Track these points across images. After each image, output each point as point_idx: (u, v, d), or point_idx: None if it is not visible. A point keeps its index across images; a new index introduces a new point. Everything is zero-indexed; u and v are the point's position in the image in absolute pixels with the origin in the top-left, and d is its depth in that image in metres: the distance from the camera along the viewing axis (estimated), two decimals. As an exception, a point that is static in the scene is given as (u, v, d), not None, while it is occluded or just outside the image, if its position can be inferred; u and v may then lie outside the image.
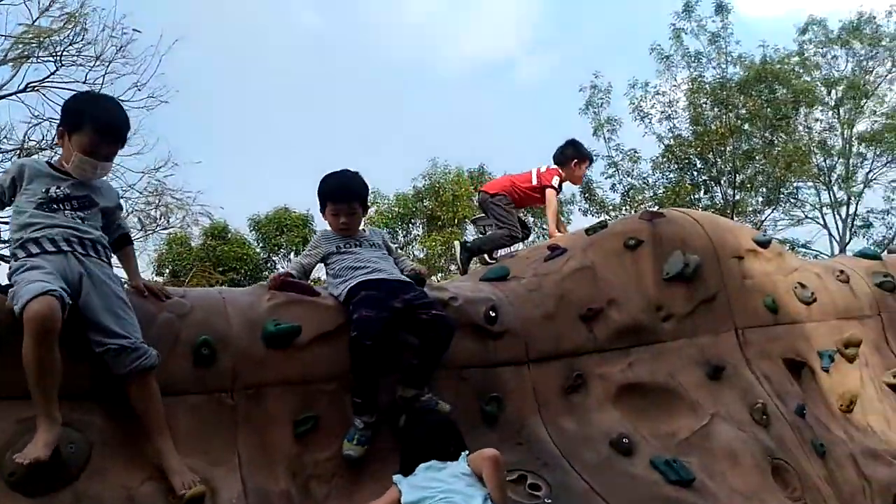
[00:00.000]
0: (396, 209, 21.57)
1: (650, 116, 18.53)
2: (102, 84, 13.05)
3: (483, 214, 5.71)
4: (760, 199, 19.20)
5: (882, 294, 5.21)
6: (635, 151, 18.22)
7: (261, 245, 24.35)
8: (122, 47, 12.94)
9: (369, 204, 3.85)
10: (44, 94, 13.32)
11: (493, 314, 3.68)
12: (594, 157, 5.79)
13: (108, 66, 12.91)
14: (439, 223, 20.70)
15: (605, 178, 18.43)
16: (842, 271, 5.09)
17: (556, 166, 5.58)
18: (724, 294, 4.44)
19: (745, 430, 3.86)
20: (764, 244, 4.81)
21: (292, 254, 23.48)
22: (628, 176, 18.25)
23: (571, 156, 5.65)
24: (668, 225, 4.46)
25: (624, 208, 17.95)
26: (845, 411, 4.56)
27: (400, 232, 21.85)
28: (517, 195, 5.46)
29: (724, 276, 4.48)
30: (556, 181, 5.46)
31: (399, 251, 3.88)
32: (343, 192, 3.45)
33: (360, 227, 3.61)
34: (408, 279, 3.41)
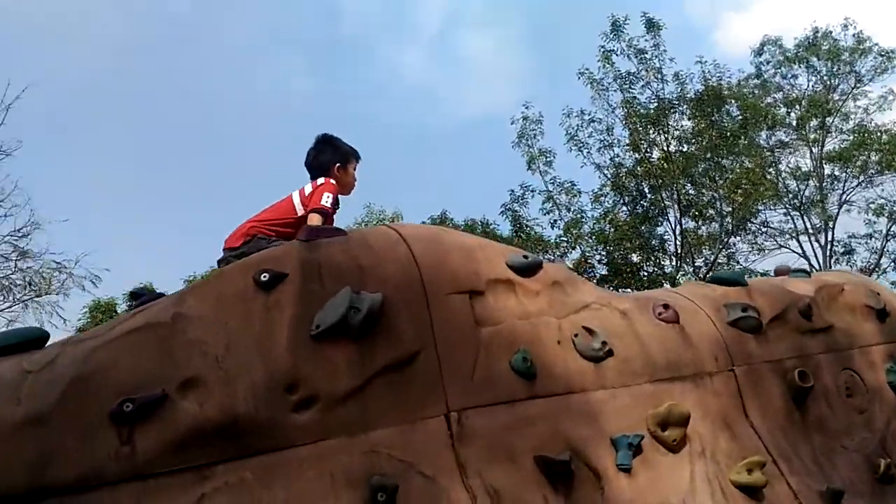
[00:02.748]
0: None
1: (588, 146, 16.97)
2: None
3: None
4: (720, 227, 17.41)
5: (739, 337, 3.44)
6: (573, 184, 16.61)
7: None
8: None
9: None
10: None
11: None
12: (359, 155, 4.08)
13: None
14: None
15: (544, 214, 16.78)
16: (666, 305, 3.33)
17: (324, 180, 3.84)
18: (432, 354, 2.68)
19: None
20: (525, 270, 3.08)
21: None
22: (568, 210, 16.60)
23: (331, 160, 3.94)
24: (337, 248, 2.74)
25: (564, 246, 16.22)
26: (658, 539, 2.75)
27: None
28: (272, 235, 3.70)
29: (433, 325, 2.73)
30: (328, 200, 3.67)
31: None
32: None
33: None
34: None
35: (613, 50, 16.53)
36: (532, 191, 16.82)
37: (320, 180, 3.84)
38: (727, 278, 3.73)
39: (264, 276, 2.58)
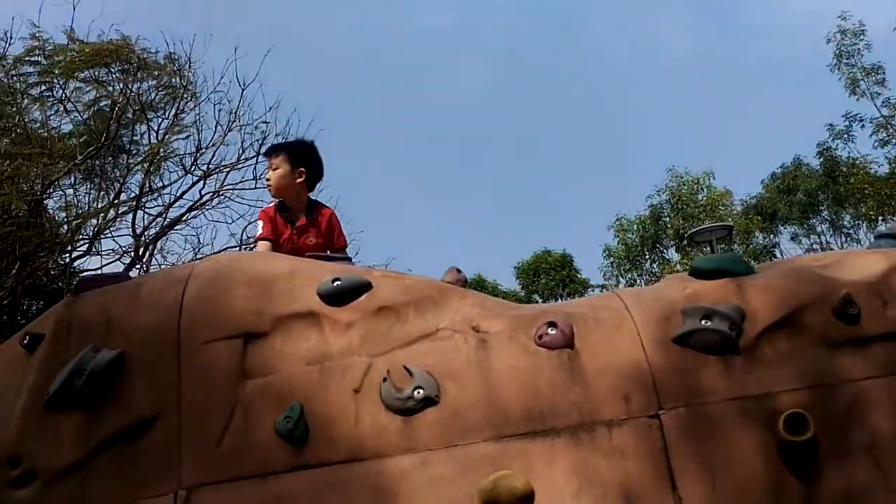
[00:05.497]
0: (637, 234, 18.80)
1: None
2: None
3: None
4: None
5: (686, 363, 2.24)
6: (917, 102, 12.75)
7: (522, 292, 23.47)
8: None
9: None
10: (230, 198, 14.63)
11: None
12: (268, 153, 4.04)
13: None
14: (684, 243, 17.41)
15: (877, 148, 13.23)
16: (553, 324, 2.32)
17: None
18: (173, 419, 2.31)
19: None
20: (335, 297, 2.45)
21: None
22: (915, 137, 12.81)
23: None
24: (94, 300, 2.54)
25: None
26: None
27: (649, 258, 18.91)
28: None
29: (181, 383, 2.35)
30: (256, 228, 3.69)
31: None
32: None
33: None
34: None
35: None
36: (860, 120, 13.52)
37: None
38: (706, 269, 2.47)
39: (25, 340, 2.52)
